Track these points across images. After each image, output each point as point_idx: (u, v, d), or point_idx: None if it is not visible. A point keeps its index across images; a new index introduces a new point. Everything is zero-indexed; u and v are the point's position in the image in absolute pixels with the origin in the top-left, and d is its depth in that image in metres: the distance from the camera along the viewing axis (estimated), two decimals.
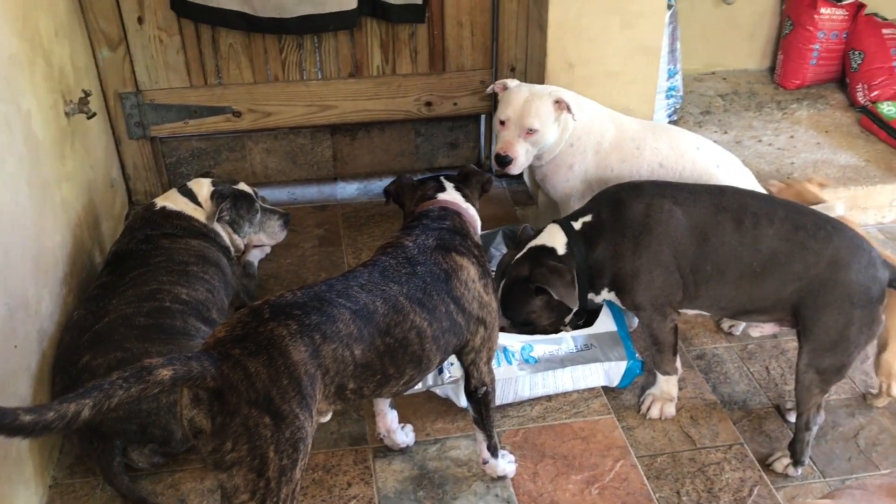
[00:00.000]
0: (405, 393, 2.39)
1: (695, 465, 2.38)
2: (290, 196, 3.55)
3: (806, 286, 2.25)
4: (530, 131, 2.67)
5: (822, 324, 2.24)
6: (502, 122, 2.72)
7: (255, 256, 2.95)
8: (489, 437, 2.21)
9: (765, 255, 2.28)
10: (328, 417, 2.32)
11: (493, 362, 2.32)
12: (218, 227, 2.67)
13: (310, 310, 1.69)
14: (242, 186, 2.80)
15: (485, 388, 2.11)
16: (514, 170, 2.73)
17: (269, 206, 2.88)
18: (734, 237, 2.30)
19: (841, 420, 2.54)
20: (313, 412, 1.67)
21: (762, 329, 2.77)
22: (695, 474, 2.35)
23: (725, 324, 2.90)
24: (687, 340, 2.84)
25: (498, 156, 2.72)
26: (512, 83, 2.75)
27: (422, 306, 1.86)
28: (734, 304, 2.39)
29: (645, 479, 2.34)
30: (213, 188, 2.69)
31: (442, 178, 2.23)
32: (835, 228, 2.29)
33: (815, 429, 2.34)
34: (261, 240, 2.84)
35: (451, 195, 2.17)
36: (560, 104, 2.67)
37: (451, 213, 2.10)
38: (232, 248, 2.73)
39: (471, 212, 2.17)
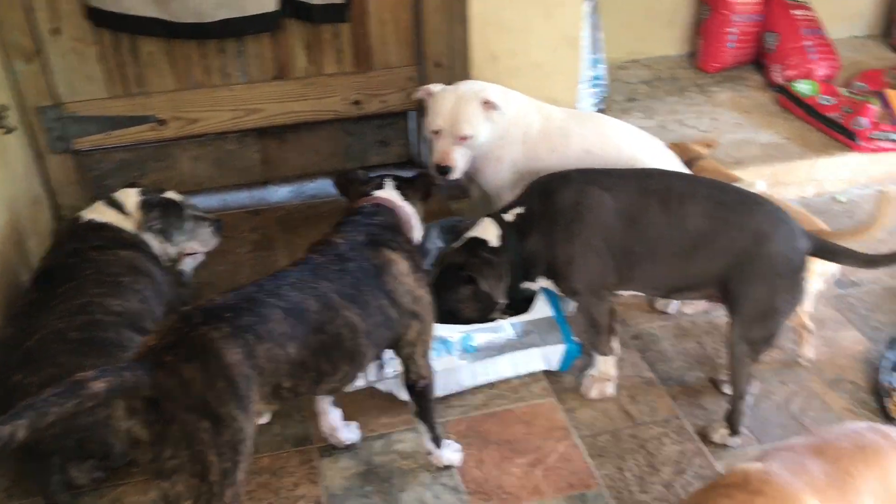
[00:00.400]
0: (347, 390, 2.41)
1: (635, 441, 2.44)
2: (221, 203, 3.50)
3: (733, 261, 2.32)
4: (464, 137, 2.68)
5: (749, 296, 2.31)
6: (435, 132, 2.72)
7: (188, 265, 2.91)
8: (432, 429, 2.23)
9: (692, 234, 2.34)
10: (266, 418, 2.32)
11: (433, 354, 2.34)
12: (148, 237, 2.64)
13: (241, 311, 1.69)
14: (171, 194, 2.76)
15: (424, 381, 2.14)
16: (455, 176, 2.74)
17: (199, 213, 2.85)
18: (661, 218, 2.36)
19: (773, 388, 2.63)
20: (251, 413, 1.67)
21: (695, 306, 2.85)
22: (636, 450, 2.41)
23: (659, 303, 2.97)
24: (622, 321, 2.90)
25: (437, 166, 2.72)
26: (436, 88, 2.74)
27: (354, 302, 1.87)
28: (666, 282, 2.46)
29: (588, 457, 2.39)
30: (140, 197, 2.66)
31: (385, 176, 2.25)
32: (756, 203, 2.37)
33: (749, 398, 2.42)
34: (193, 247, 2.80)
35: (387, 193, 2.19)
36: (488, 104, 2.68)
37: (383, 209, 2.12)
38: (164, 257, 2.69)
39: (406, 209, 2.18)
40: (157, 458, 1.57)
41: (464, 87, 2.75)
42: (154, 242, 2.66)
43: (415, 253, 2.10)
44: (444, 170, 2.71)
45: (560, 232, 2.42)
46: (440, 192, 2.35)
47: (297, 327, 1.75)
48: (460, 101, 2.67)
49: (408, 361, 2.11)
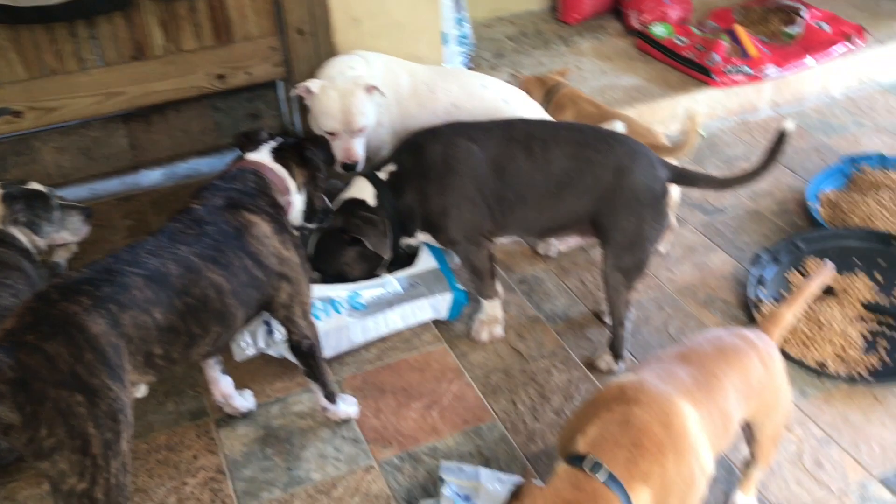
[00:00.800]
0: (240, 360, 2.41)
1: (526, 375, 2.54)
2: (91, 192, 3.39)
3: (599, 196, 2.42)
4: (361, 130, 2.68)
5: (618, 228, 2.42)
6: (331, 134, 2.68)
7: (61, 256, 2.82)
8: (324, 386, 2.26)
9: (558, 176, 2.43)
10: (144, 392, 2.29)
11: (321, 314, 2.37)
12: (14, 231, 2.54)
13: (100, 283, 1.67)
14: (34, 185, 2.66)
15: (308, 342, 2.16)
16: (361, 167, 2.72)
17: (67, 202, 2.76)
18: (528, 164, 2.44)
19: (651, 314, 2.77)
20: (126, 383, 1.66)
21: (568, 242, 2.96)
22: (527, 383, 2.51)
23: (541, 247, 3.08)
24: (508, 268, 2.99)
25: (344, 164, 2.70)
26: (314, 86, 2.67)
27: (216, 263, 1.87)
28: (539, 224, 2.55)
29: (481, 395, 2.47)
30: (1, 191, 2.55)
31: (269, 140, 2.23)
32: (615, 139, 2.48)
33: (628, 325, 2.55)
34: (64, 238, 2.71)
35: (259, 156, 2.17)
36: (370, 90, 2.68)
37: (248, 172, 2.11)
38: (34, 250, 2.60)
39: (277, 172, 2.17)
40: (34, 440, 1.54)
41: (340, 78, 2.68)
42: (21, 236, 2.56)
43: (279, 215, 2.09)
44: (351, 166, 2.70)
45: (433, 185, 2.47)
46: (323, 159, 2.32)
47: (160, 292, 1.75)
48: (345, 97, 2.63)
49: (287, 323, 2.12)
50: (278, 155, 2.19)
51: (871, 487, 2.17)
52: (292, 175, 2.20)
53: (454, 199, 2.47)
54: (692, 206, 3.34)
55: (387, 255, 2.54)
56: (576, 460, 1.62)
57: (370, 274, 2.62)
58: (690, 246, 3.11)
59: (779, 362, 1.95)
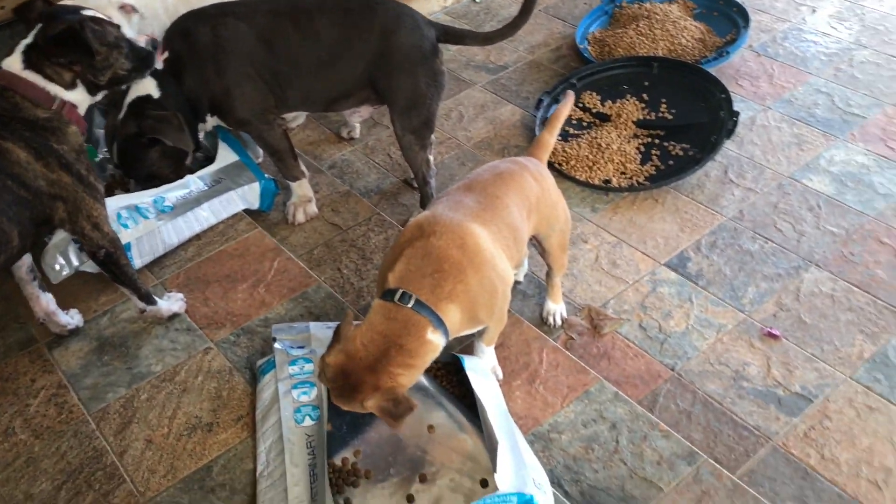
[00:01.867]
0: (55, 281, 2.41)
1: (346, 243, 2.68)
2: None
3: (371, 61, 2.51)
4: None
5: (396, 89, 2.53)
6: None
7: None
8: (136, 290, 2.30)
9: (327, 45, 2.50)
10: None
11: (131, 222, 2.40)
12: None
13: None
14: None
15: (103, 251, 2.17)
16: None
17: None
18: (296, 36, 2.49)
19: (455, 170, 2.96)
20: None
21: (360, 113, 3.09)
22: (348, 250, 2.65)
23: (343, 131, 3.18)
24: (317, 157, 3.09)
25: None
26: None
27: None
28: (322, 95, 2.61)
29: (306, 267, 2.60)
30: None
31: (34, 33, 2.01)
32: (377, 3, 2.53)
33: (432, 181, 2.70)
34: None
35: (10, 63, 1.99)
36: (126, 7, 2.62)
37: None
38: None
39: (32, 83, 1.97)
40: None
41: None
42: None
43: (37, 138, 1.98)
44: None
45: (209, 67, 2.49)
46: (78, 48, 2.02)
47: None
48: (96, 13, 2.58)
49: (77, 236, 2.14)
50: (30, 58, 1.98)
51: (659, 272, 2.48)
52: (52, 78, 2.00)
53: (233, 78, 2.50)
54: (477, 67, 3.53)
55: (189, 146, 2.55)
56: (387, 295, 1.77)
57: (181, 167, 2.63)
58: (481, 104, 3.31)
59: (549, 179, 2.17)
